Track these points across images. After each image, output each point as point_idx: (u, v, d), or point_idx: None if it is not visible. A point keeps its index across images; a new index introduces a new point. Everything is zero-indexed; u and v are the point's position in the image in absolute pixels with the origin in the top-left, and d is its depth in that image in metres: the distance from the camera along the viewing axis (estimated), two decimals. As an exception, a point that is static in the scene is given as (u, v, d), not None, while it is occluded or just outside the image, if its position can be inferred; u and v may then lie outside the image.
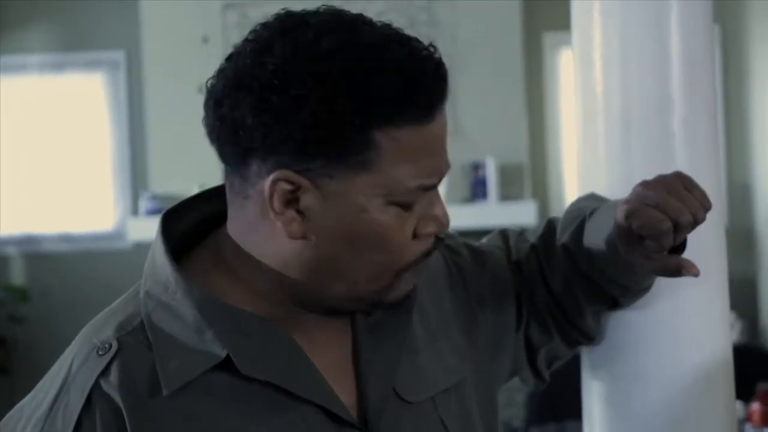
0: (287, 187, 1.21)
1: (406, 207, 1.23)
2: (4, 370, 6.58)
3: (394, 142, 1.20)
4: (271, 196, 1.21)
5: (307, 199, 1.21)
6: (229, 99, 1.21)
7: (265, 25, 1.23)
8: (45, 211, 6.69)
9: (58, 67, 6.69)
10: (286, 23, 1.22)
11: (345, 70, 1.17)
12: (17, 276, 6.80)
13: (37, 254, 6.75)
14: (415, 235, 1.26)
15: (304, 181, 1.20)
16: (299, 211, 1.22)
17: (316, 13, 1.22)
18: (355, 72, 1.17)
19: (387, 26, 1.23)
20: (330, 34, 1.19)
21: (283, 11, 1.24)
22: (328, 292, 1.27)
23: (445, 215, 1.28)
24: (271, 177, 1.21)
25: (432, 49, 1.22)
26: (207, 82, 1.25)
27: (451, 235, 1.53)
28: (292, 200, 1.22)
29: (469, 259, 1.51)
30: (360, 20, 1.22)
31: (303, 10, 1.23)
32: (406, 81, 1.18)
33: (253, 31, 1.23)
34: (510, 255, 1.55)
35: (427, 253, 1.29)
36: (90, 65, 6.70)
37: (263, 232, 1.25)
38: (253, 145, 1.21)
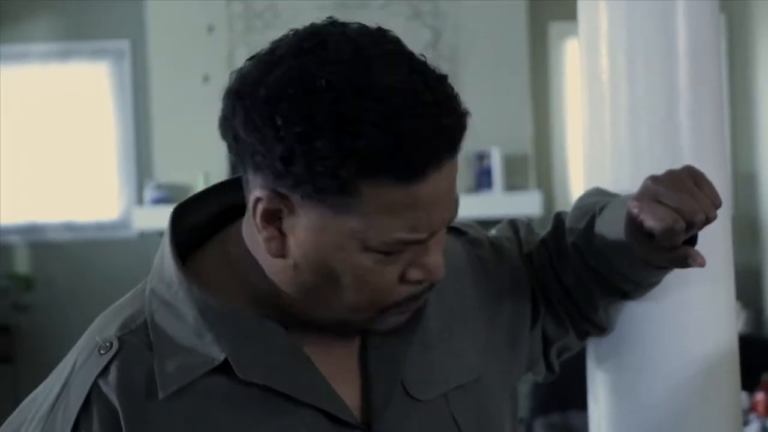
0: (269, 206, 1.18)
1: (388, 254, 1.19)
2: (8, 359, 6.59)
3: (376, 194, 1.14)
4: (254, 211, 1.20)
5: (288, 222, 1.19)
6: (229, 105, 1.19)
7: (287, 37, 1.19)
8: (49, 199, 6.69)
9: (63, 55, 6.69)
10: (304, 43, 1.17)
11: (334, 112, 1.12)
12: (22, 264, 6.80)
13: (41, 243, 6.75)
14: (402, 278, 1.23)
15: (283, 206, 1.18)
16: (281, 231, 1.20)
17: (340, 36, 1.17)
18: (344, 117, 1.12)
19: (408, 66, 1.16)
20: (337, 66, 1.14)
21: (310, 26, 1.19)
22: (314, 314, 1.25)
23: (437, 266, 1.23)
24: (254, 194, 1.19)
25: (447, 104, 1.16)
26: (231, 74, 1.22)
27: (471, 226, 1.52)
28: (274, 218, 1.19)
29: (489, 252, 1.49)
30: (379, 56, 1.16)
31: (329, 28, 1.18)
32: (397, 138, 1.12)
33: (277, 40, 1.20)
34: (521, 247, 1.53)
35: (415, 297, 1.25)
36: (95, 54, 6.70)
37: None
38: (244, 157, 1.19)
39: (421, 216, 1.18)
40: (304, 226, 1.18)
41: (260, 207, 1.19)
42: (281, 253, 1.21)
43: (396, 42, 1.19)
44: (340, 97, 1.12)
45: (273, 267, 1.24)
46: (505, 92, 6.26)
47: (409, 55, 1.18)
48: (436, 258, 1.22)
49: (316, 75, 1.14)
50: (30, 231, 6.73)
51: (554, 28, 6.49)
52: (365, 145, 1.12)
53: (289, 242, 1.20)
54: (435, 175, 1.16)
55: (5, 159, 6.64)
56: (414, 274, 1.22)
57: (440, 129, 1.14)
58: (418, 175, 1.15)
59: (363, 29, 1.19)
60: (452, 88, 1.18)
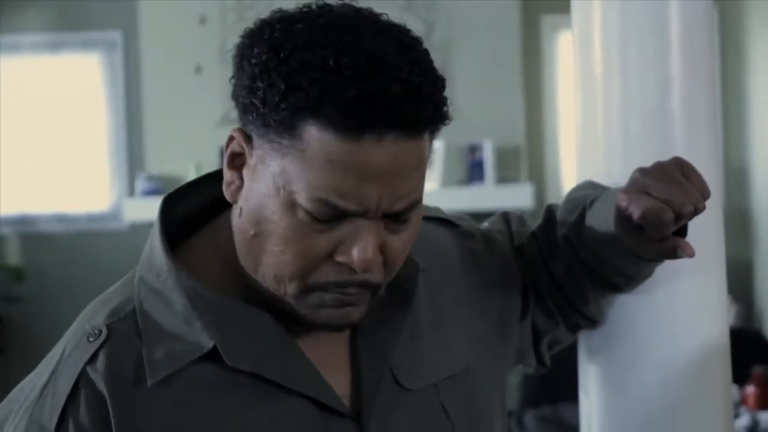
0: (236, 149, 1.22)
1: (315, 218, 1.18)
2: (-1, 350, 6.59)
3: (317, 142, 1.15)
4: (226, 148, 1.23)
5: (247, 167, 1.21)
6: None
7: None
8: (41, 191, 6.68)
9: (55, 46, 6.67)
10: (311, 5, 1.21)
11: (299, 51, 1.15)
12: (13, 256, 6.79)
13: (33, 234, 6.74)
14: (331, 257, 1.21)
15: (247, 149, 1.21)
16: (242, 179, 1.22)
17: (349, 6, 1.21)
18: (304, 57, 1.14)
19: (396, 46, 1.17)
20: (321, 17, 1.18)
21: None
22: (255, 283, 1.25)
23: (362, 256, 1.19)
24: (230, 132, 1.22)
25: (410, 83, 1.15)
26: None
27: (464, 218, 1.52)
28: (238, 164, 1.22)
29: (481, 244, 1.49)
30: (372, 25, 1.18)
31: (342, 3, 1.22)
32: (343, 87, 1.13)
33: None
34: (513, 240, 1.53)
35: (342, 286, 1.22)
36: (86, 45, 6.68)
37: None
38: (233, 96, 1.22)
39: (352, 184, 1.16)
40: (254, 169, 1.20)
41: (230, 147, 1.22)
42: (235, 197, 1.23)
43: (401, 29, 1.21)
44: (312, 41, 1.15)
45: (233, 221, 1.26)
46: (498, 84, 6.26)
47: (403, 43, 1.19)
48: (364, 248, 1.19)
49: (301, 20, 1.18)
50: (21, 222, 6.72)
51: (547, 20, 6.49)
52: (311, 82, 1.14)
53: (242, 188, 1.23)
54: (372, 143, 1.15)
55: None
56: (341, 254, 1.20)
57: (387, 97, 1.14)
58: (352, 131, 1.15)
59: (375, 12, 1.21)
60: (434, 82, 1.18)
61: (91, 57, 6.68)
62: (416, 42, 1.20)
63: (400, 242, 1.23)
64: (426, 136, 1.19)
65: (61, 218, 6.71)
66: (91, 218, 6.71)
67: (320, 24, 1.17)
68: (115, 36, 6.65)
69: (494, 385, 1.44)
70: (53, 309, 6.45)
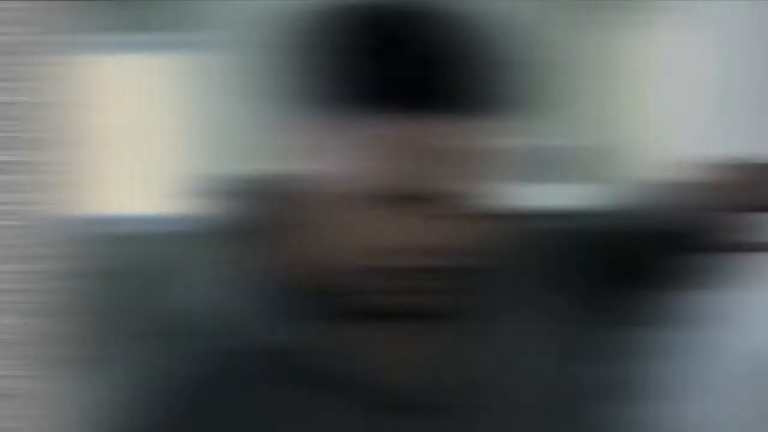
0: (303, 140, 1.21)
1: (372, 202, 1.18)
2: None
3: (379, 131, 1.15)
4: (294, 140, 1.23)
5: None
6: None
7: None
8: (123, 191, 6.76)
9: (151, 47, 6.76)
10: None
11: (341, 41, 1.15)
12: (97, 257, 6.87)
13: (115, 235, 6.83)
14: (393, 241, 1.20)
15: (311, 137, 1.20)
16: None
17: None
18: (348, 47, 1.15)
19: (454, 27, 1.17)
20: (367, 9, 1.18)
21: None
22: (314, 272, 1.25)
23: (419, 238, 1.19)
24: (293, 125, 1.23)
25: (456, 68, 1.15)
26: None
27: (546, 215, 1.51)
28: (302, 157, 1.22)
29: (525, 241, 1.48)
30: (431, 19, 1.17)
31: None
32: (388, 70, 1.13)
33: None
34: (545, 238, 1.51)
35: (409, 274, 1.21)
36: (183, 46, 6.76)
37: None
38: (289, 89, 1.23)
39: (408, 163, 1.16)
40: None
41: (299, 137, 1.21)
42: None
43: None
44: (351, 30, 1.15)
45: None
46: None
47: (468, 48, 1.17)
48: (422, 230, 1.19)
49: (343, 15, 1.17)
50: (104, 223, 6.81)
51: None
52: (370, 73, 1.13)
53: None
54: (433, 124, 1.14)
55: (92, 149, 6.72)
56: (400, 236, 1.19)
57: (447, 79, 1.13)
58: (405, 112, 1.14)
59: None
60: (488, 75, 1.16)
61: (185, 57, 6.76)
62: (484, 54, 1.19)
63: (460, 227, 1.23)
64: (482, 113, 1.17)
65: (145, 220, 6.79)
66: (172, 220, 6.78)
67: (376, 14, 1.17)
68: (210, 36, 6.72)
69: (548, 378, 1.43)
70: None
